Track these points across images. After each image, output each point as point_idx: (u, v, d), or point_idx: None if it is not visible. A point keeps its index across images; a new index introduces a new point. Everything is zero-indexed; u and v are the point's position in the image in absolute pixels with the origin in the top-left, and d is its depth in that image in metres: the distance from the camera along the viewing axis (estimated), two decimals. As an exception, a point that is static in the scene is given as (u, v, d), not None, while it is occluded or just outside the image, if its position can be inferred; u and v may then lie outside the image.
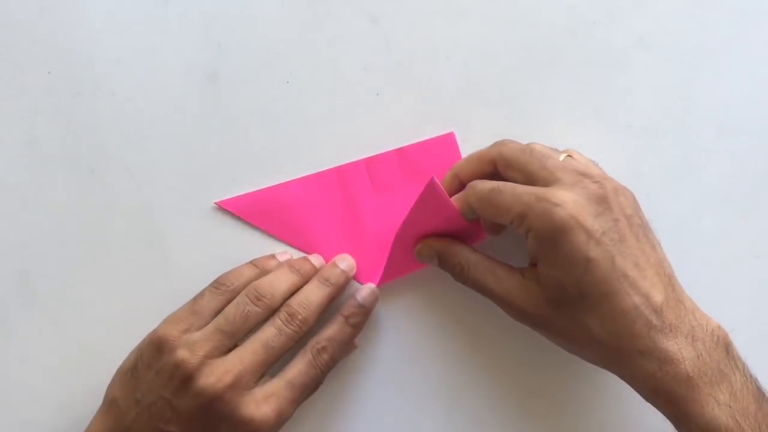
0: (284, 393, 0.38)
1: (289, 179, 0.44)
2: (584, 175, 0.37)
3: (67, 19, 0.44)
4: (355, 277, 0.43)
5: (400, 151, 0.44)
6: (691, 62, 0.45)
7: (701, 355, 0.35)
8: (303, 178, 0.44)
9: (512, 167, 0.39)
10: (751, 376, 0.36)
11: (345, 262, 0.43)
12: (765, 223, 0.45)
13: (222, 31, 0.44)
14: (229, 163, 0.44)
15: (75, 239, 0.44)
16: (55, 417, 0.42)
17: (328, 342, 0.40)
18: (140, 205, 0.44)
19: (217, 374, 0.37)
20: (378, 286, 0.43)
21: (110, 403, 0.39)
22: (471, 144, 0.44)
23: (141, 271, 0.44)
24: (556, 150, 0.40)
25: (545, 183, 0.37)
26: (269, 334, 0.39)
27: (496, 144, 0.40)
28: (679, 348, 0.35)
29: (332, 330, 0.41)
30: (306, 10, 0.45)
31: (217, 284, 0.41)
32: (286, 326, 0.39)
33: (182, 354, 0.37)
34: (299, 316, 0.39)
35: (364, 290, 0.42)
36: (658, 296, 0.36)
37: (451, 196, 0.40)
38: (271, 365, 0.39)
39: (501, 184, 0.38)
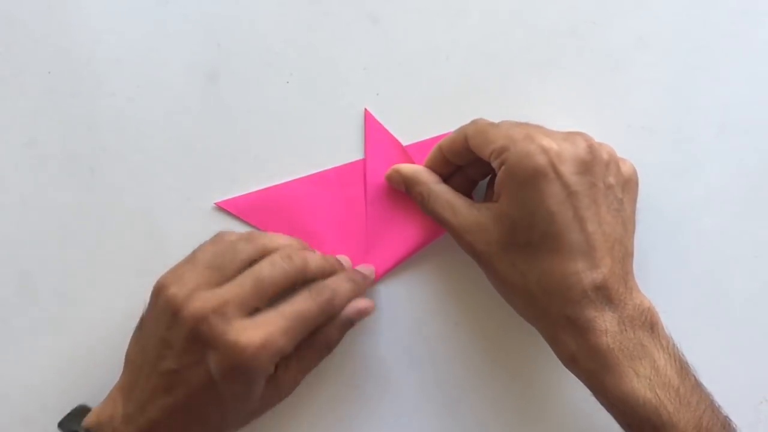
0: (274, 320, 0.36)
1: (289, 179, 0.44)
2: (580, 135, 0.37)
3: (67, 19, 0.44)
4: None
5: (403, 152, 0.44)
6: (691, 62, 0.45)
7: (625, 330, 0.36)
8: (303, 178, 0.44)
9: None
10: (677, 354, 0.37)
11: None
12: (765, 223, 0.45)
13: (222, 31, 0.44)
14: (229, 163, 0.44)
15: (75, 239, 0.44)
16: (55, 417, 0.42)
17: (327, 285, 0.39)
18: (140, 205, 0.44)
19: (203, 300, 0.36)
20: (377, 280, 0.43)
21: (126, 362, 0.39)
22: (471, 144, 0.44)
23: (141, 271, 0.44)
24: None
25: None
26: (262, 266, 0.38)
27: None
28: (604, 320, 0.36)
29: (332, 279, 0.40)
30: (306, 10, 0.45)
31: (216, 237, 0.40)
32: (282, 261, 0.38)
33: (172, 290, 0.37)
34: (297, 258, 0.38)
35: (364, 267, 0.43)
36: (603, 269, 0.36)
37: (436, 171, 0.42)
38: (261, 301, 0.37)
39: (501, 122, 0.38)
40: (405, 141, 0.44)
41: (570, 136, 0.38)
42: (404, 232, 0.44)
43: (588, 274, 0.36)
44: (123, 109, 0.44)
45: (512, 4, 0.45)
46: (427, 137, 0.44)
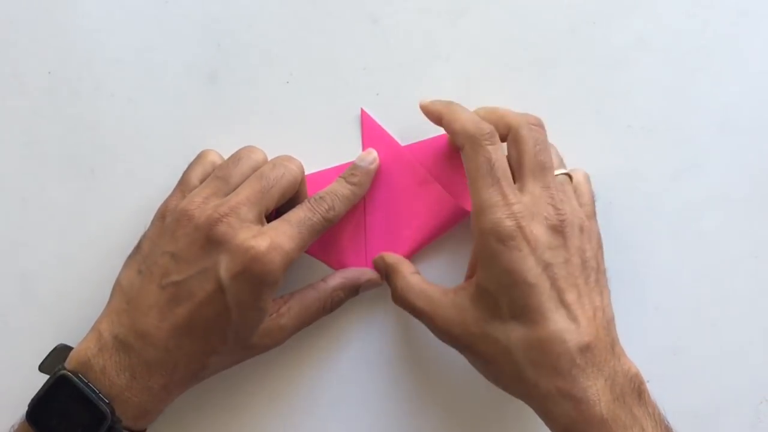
0: (281, 227, 0.37)
1: (289, 179, 0.44)
2: (554, 204, 0.37)
3: (67, 19, 0.44)
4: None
5: (400, 151, 0.44)
6: (691, 62, 0.45)
7: (618, 399, 0.35)
8: (303, 178, 0.44)
9: (515, 148, 0.38)
10: (662, 420, 0.36)
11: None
12: (765, 223, 0.45)
13: (222, 31, 0.44)
14: (229, 163, 0.44)
15: (75, 239, 0.44)
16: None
17: (326, 193, 0.40)
18: (140, 205, 0.44)
19: (215, 205, 0.37)
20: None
21: (114, 291, 0.39)
22: (471, 144, 0.44)
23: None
24: (560, 159, 0.41)
25: (521, 185, 0.37)
26: (264, 168, 0.39)
27: (523, 119, 0.39)
28: (597, 390, 0.35)
29: (330, 187, 0.41)
30: (306, 11, 0.45)
31: (201, 156, 0.42)
32: (284, 161, 0.40)
33: (182, 204, 0.38)
34: (296, 161, 0.40)
35: (364, 154, 0.43)
36: (588, 336, 0.35)
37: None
38: (270, 201, 0.38)
39: (498, 154, 0.37)
40: (404, 141, 0.44)
41: (546, 208, 0.37)
42: (404, 232, 0.44)
43: (574, 341, 0.35)
44: (123, 109, 0.44)
45: (512, 3, 0.45)
46: (427, 137, 0.44)
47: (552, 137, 0.44)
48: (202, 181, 0.40)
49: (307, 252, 0.44)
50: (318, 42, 0.45)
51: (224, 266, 0.36)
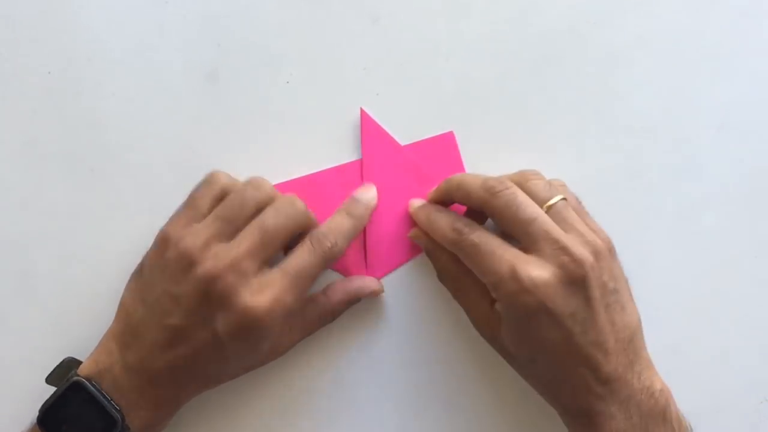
0: (278, 281, 0.37)
1: (289, 179, 0.44)
2: (564, 250, 0.36)
3: (67, 19, 0.44)
4: (348, 275, 0.43)
5: (399, 150, 0.44)
6: (691, 62, 0.45)
7: (631, 417, 0.37)
8: (302, 177, 0.44)
9: (498, 220, 0.39)
10: None
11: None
12: (765, 223, 0.45)
13: (222, 31, 0.44)
14: (229, 163, 0.44)
15: (75, 239, 0.44)
16: (55, 417, 0.42)
17: (327, 230, 0.40)
18: (140, 205, 0.44)
19: (216, 258, 0.37)
20: (379, 279, 0.43)
21: (120, 309, 0.39)
22: (471, 144, 0.44)
23: (141, 271, 0.44)
24: (548, 184, 0.40)
25: (525, 247, 0.37)
26: (266, 216, 0.39)
27: (488, 190, 0.38)
28: (611, 411, 0.37)
29: (332, 220, 0.41)
30: (306, 11, 0.45)
31: (210, 176, 0.40)
32: (287, 207, 0.39)
33: (184, 244, 0.37)
34: (300, 204, 0.39)
35: (364, 190, 0.43)
36: (607, 367, 0.37)
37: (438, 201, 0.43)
38: (271, 249, 0.38)
39: (485, 238, 0.38)
40: (405, 141, 0.44)
41: (557, 253, 0.36)
42: (404, 232, 0.44)
43: (593, 377, 0.37)
44: (123, 109, 0.44)
45: (512, 4, 0.45)
46: (427, 137, 0.44)
47: (552, 137, 0.44)
48: (210, 208, 0.39)
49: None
50: (318, 42, 0.44)
51: (222, 324, 0.37)
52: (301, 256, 0.38)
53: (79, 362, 0.40)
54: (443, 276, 0.43)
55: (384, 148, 0.44)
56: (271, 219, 0.38)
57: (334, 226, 0.40)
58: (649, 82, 0.45)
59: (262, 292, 0.37)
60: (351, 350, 0.44)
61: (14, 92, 0.44)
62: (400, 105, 0.44)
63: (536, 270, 0.36)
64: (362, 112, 0.44)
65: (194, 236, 0.38)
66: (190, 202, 0.40)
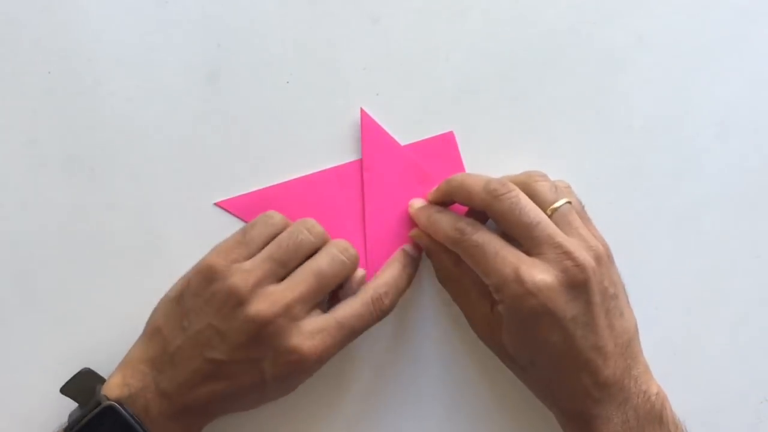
0: (333, 331, 0.38)
1: (289, 179, 0.44)
2: (567, 254, 0.36)
3: (67, 19, 0.44)
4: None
5: (399, 150, 0.44)
6: (691, 62, 0.45)
7: (627, 421, 0.37)
8: (302, 177, 0.44)
9: (501, 223, 0.38)
10: None
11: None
12: (765, 223, 0.45)
13: (222, 31, 0.44)
14: (229, 163, 0.44)
15: (75, 239, 0.44)
16: (55, 417, 0.42)
17: (389, 288, 0.40)
18: (140, 205, 0.44)
19: (269, 301, 0.37)
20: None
21: (153, 331, 0.38)
22: (471, 144, 0.44)
23: (141, 271, 0.44)
24: (554, 186, 0.39)
25: (527, 249, 0.37)
26: (321, 262, 0.38)
27: (491, 192, 0.38)
28: (608, 414, 0.37)
29: (391, 275, 0.41)
30: (306, 10, 0.45)
31: (267, 216, 0.40)
32: (341, 254, 0.39)
33: (234, 281, 0.37)
34: (353, 250, 0.40)
35: (408, 247, 0.43)
36: (606, 371, 0.37)
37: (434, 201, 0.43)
38: (323, 295, 0.38)
39: (488, 238, 0.38)
40: (405, 141, 0.44)
41: (560, 258, 0.36)
42: (404, 232, 0.44)
43: (591, 381, 0.37)
44: (123, 109, 0.44)
45: (512, 4, 0.45)
46: (427, 137, 0.44)
47: (552, 137, 0.44)
48: (262, 246, 0.39)
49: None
50: (318, 42, 0.44)
51: (269, 364, 0.37)
52: (359, 312, 0.39)
53: (99, 377, 0.39)
54: (443, 278, 0.43)
55: (384, 148, 0.44)
56: (326, 265, 0.38)
57: (393, 282, 0.40)
58: (649, 82, 0.45)
59: (314, 338, 0.37)
60: (350, 350, 0.44)
61: (14, 92, 0.44)
62: (400, 105, 0.44)
63: (540, 273, 0.36)
64: (362, 112, 0.44)
65: (246, 273, 0.37)
66: (242, 237, 0.39)
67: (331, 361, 0.43)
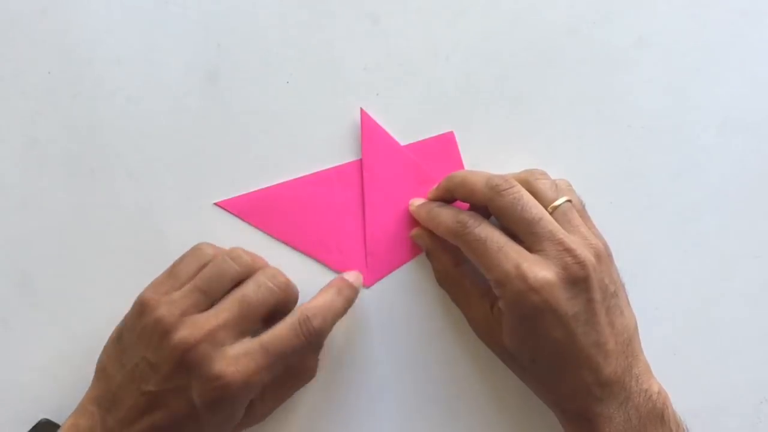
0: (257, 356, 0.37)
1: (289, 179, 0.44)
2: (568, 251, 0.37)
3: (67, 19, 0.44)
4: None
5: (399, 150, 0.44)
6: (691, 62, 0.45)
7: (629, 420, 0.37)
8: (302, 177, 0.44)
9: (503, 218, 0.39)
10: None
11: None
12: (765, 223, 0.45)
13: (222, 31, 0.44)
14: (229, 163, 0.44)
15: (75, 239, 0.44)
16: (55, 417, 0.42)
17: (318, 310, 0.39)
18: (140, 205, 0.44)
19: (193, 328, 0.37)
20: (378, 280, 0.44)
21: (100, 372, 0.39)
22: (470, 143, 0.44)
23: (141, 271, 0.43)
24: (555, 184, 0.39)
25: (528, 246, 0.37)
26: (247, 289, 0.38)
27: (493, 188, 0.38)
28: (610, 413, 0.37)
29: (323, 299, 0.39)
30: (306, 11, 0.45)
31: (196, 249, 0.40)
32: (268, 281, 0.39)
33: (161, 312, 0.37)
34: (282, 278, 0.39)
35: (351, 274, 0.42)
36: (607, 369, 0.37)
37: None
38: (250, 322, 0.38)
39: (491, 233, 0.38)
40: (405, 141, 0.44)
41: (561, 255, 0.37)
42: (404, 232, 0.44)
43: (593, 379, 0.37)
44: (123, 109, 0.44)
45: (512, 4, 0.45)
46: (427, 137, 0.44)
47: (552, 137, 0.44)
48: (191, 278, 0.39)
49: (306, 253, 0.44)
50: (318, 42, 0.44)
51: (196, 392, 0.36)
52: (285, 335, 0.38)
53: (56, 425, 0.40)
54: (442, 279, 0.43)
55: (384, 148, 0.44)
56: (252, 292, 0.38)
57: (323, 305, 0.39)
58: (649, 82, 0.45)
59: (237, 363, 0.36)
60: (350, 350, 0.44)
61: (14, 92, 0.44)
62: (400, 105, 0.44)
63: (542, 270, 0.36)
64: (362, 112, 0.44)
65: (171, 305, 0.37)
66: (172, 270, 0.40)
67: (329, 361, 0.43)
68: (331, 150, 0.44)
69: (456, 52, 0.45)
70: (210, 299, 0.38)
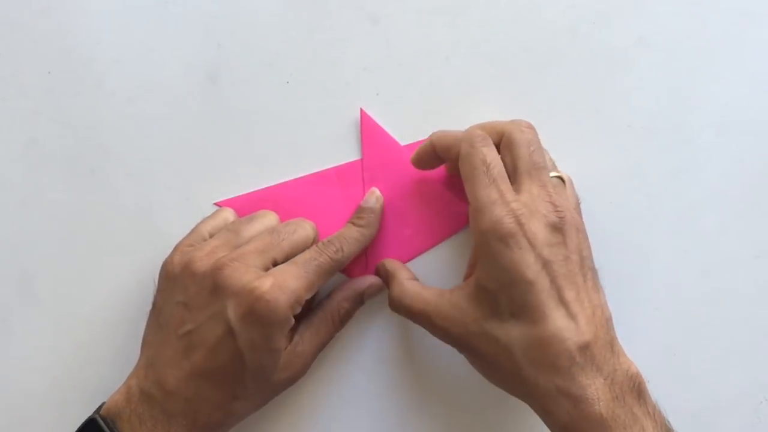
0: (287, 268, 0.38)
1: (289, 179, 0.44)
2: (552, 204, 0.36)
3: (67, 19, 0.44)
4: (352, 275, 0.43)
5: (399, 150, 0.44)
6: (691, 62, 0.45)
7: (617, 398, 0.35)
8: (302, 177, 0.44)
9: (509, 151, 0.38)
10: (662, 420, 0.36)
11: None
12: (765, 223, 0.45)
13: (222, 31, 0.44)
14: (229, 163, 0.44)
15: (75, 239, 0.44)
16: (55, 417, 0.42)
17: (335, 237, 0.41)
18: (140, 205, 0.44)
19: (222, 254, 0.38)
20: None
21: (143, 345, 0.40)
22: (471, 144, 0.44)
23: (141, 271, 0.44)
24: (554, 166, 0.40)
25: (519, 188, 0.37)
26: (278, 224, 0.41)
27: (513, 124, 0.39)
28: (596, 388, 0.35)
29: (340, 230, 0.41)
30: (306, 11, 0.45)
31: (218, 211, 0.42)
32: (296, 222, 0.41)
33: (189, 256, 0.38)
34: (308, 225, 0.41)
35: (368, 196, 0.43)
36: (587, 335, 0.35)
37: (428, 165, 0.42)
38: (279, 254, 0.38)
39: (495, 160, 0.38)
40: (405, 141, 0.44)
41: (547, 207, 0.36)
42: (405, 232, 0.44)
43: (573, 339, 0.35)
44: (123, 109, 0.44)
45: (512, 4, 0.45)
46: (427, 137, 0.44)
47: (552, 137, 0.44)
48: (212, 235, 0.40)
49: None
50: (318, 42, 0.45)
51: (231, 309, 0.36)
52: (308, 253, 0.39)
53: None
54: (396, 301, 0.41)
55: (384, 148, 0.44)
56: (283, 226, 0.40)
57: (340, 234, 0.41)
58: (649, 82, 0.45)
59: (268, 275, 0.37)
60: (350, 350, 0.44)
61: (14, 92, 0.44)
62: (400, 105, 0.44)
63: (524, 205, 0.36)
64: (362, 112, 0.44)
65: (199, 249, 0.39)
66: (194, 230, 0.41)
67: (330, 362, 0.43)
68: (331, 150, 0.44)
69: (456, 52, 0.45)
70: (240, 239, 0.39)
